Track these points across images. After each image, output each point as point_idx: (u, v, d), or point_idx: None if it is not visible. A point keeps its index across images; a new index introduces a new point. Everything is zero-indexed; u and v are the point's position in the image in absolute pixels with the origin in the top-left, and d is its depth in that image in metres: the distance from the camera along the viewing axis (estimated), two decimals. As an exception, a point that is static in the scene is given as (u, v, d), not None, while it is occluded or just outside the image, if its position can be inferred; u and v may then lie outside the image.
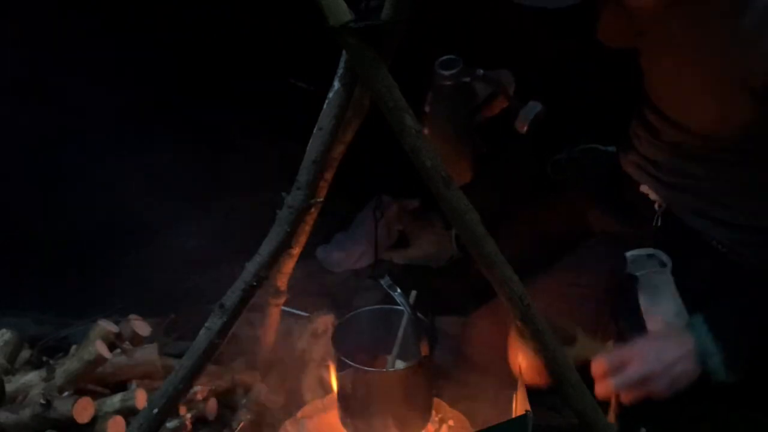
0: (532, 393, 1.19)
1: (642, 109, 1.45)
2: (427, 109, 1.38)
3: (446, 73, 1.28)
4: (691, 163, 1.35)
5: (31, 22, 2.25)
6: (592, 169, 1.67)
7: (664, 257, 1.36)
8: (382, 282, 1.32)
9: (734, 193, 1.32)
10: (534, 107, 1.29)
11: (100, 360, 1.37)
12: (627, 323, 1.37)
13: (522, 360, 1.25)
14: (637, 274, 1.36)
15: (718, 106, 1.21)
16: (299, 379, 1.48)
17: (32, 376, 1.43)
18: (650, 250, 1.38)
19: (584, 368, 1.19)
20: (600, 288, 1.41)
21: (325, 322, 1.65)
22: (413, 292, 1.31)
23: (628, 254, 1.38)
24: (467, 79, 1.30)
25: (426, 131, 1.41)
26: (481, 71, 1.29)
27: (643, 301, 1.35)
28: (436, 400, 1.37)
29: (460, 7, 1.66)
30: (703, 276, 1.38)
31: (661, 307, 1.35)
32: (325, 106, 1.06)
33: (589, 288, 1.45)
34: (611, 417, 1.17)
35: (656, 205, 1.45)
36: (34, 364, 1.52)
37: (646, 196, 1.47)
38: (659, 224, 1.45)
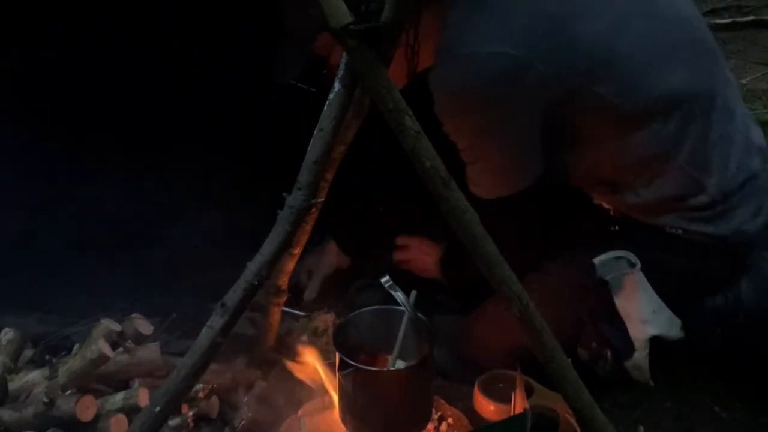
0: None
1: None
2: None
3: None
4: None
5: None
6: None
7: (632, 257, 1.37)
8: (382, 282, 1.33)
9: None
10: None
11: (102, 358, 1.37)
12: (607, 326, 1.38)
13: None
14: (608, 278, 1.37)
15: None
16: (300, 378, 1.48)
17: (35, 375, 1.44)
18: (618, 252, 1.39)
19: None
20: (577, 293, 1.42)
21: (326, 321, 1.66)
22: (413, 292, 1.31)
23: (596, 260, 1.39)
24: None
25: None
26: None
27: (619, 303, 1.36)
28: (435, 398, 1.37)
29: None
30: (668, 264, 1.41)
31: (638, 306, 1.36)
32: (325, 107, 1.07)
33: (568, 292, 1.46)
34: None
35: (611, 212, 1.49)
36: (37, 363, 1.52)
37: (600, 206, 1.50)
38: (617, 229, 1.47)
